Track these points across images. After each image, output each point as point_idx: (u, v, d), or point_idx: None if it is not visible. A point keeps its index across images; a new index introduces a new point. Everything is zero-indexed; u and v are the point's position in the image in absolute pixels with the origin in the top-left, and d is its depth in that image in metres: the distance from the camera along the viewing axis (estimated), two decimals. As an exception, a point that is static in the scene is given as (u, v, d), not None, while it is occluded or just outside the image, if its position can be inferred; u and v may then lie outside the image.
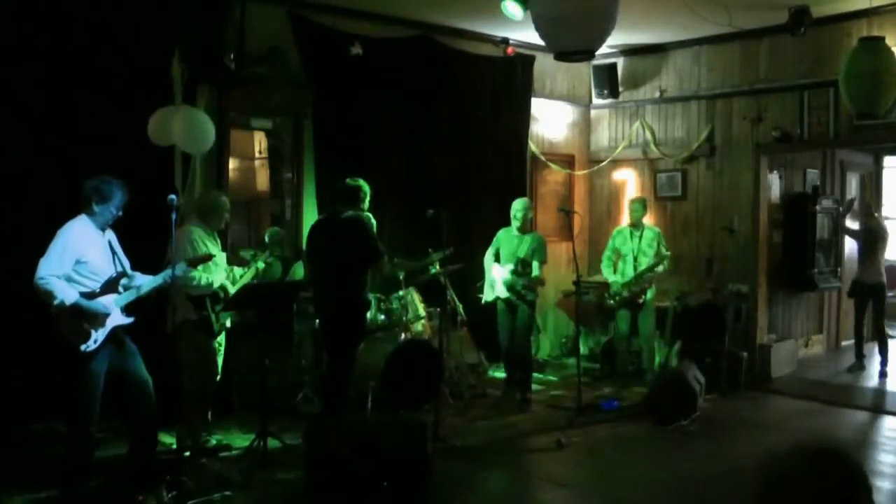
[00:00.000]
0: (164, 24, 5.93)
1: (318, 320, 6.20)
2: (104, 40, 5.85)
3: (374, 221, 6.18)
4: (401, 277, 6.84)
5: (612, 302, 7.93)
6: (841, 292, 9.87)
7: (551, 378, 8.27)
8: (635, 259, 7.79)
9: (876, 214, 9.04)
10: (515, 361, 7.22)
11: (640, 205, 8.02)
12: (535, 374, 7.75)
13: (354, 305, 5.70)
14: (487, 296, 7.20)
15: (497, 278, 7.08)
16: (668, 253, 7.78)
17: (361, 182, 5.85)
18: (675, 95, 8.87)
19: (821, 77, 7.56)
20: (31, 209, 5.45)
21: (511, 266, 6.99)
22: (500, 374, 7.66)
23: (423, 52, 7.89)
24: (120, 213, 4.60)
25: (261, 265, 5.81)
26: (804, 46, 7.58)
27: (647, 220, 8.25)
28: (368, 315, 6.00)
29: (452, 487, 5.07)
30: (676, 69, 8.88)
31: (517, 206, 7.11)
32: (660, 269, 7.76)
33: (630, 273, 7.77)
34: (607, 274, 8.01)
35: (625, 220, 9.13)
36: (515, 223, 7.08)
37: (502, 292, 7.04)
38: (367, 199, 5.84)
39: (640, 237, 7.85)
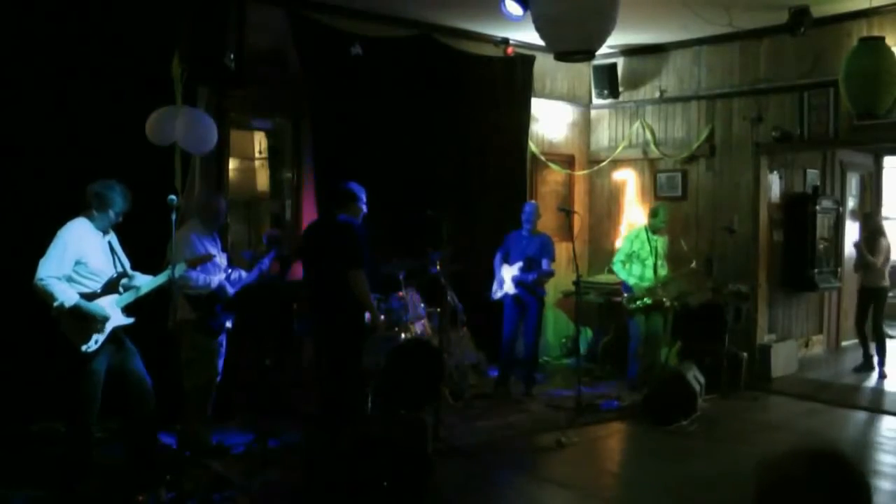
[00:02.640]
0: (164, 24, 5.92)
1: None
2: (104, 40, 5.85)
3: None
4: (401, 277, 6.85)
5: (635, 304, 7.76)
6: (841, 292, 9.87)
7: (551, 378, 8.26)
8: (654, 263, 7.73)
9: (877, 219, 9.00)
10: (520, 358, 7.47)
11: (667, 212, 7.96)
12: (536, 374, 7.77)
13: (349, 306, 5.67)
14: (496, 293, 7.51)
15: (506, 277, 7.41)
16: (694, 263, 7.81)
17: (352, 185, 5.78)
18: (675, 95, 8.87)
19: (821, 77, 7.56)
20: (31, 209, 5.44)
21: (520, 264, 7.31)
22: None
23: (424, 52, 7.88)
24: (119, 220, 4.63)
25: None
26: (804, 46, 7.57)
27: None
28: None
29: (452, 487, 5.08)
30: (676, 69, 8.87)
31: (528, 210, 7.54)
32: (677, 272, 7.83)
33: (650, 276, 7.68)
34: (625, 276, 7.85)
35: (625, 221, 9.16)
36: (528, 225, 7.46)
37: (510, 289, 7.39)
38: (361, 201, 5.75)
39: (657, 241, 7.77)
